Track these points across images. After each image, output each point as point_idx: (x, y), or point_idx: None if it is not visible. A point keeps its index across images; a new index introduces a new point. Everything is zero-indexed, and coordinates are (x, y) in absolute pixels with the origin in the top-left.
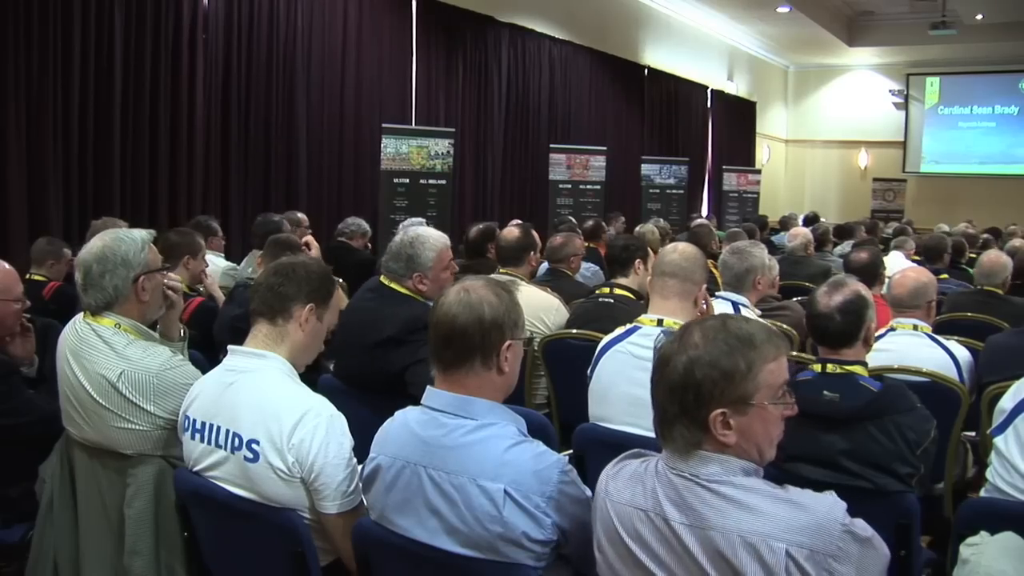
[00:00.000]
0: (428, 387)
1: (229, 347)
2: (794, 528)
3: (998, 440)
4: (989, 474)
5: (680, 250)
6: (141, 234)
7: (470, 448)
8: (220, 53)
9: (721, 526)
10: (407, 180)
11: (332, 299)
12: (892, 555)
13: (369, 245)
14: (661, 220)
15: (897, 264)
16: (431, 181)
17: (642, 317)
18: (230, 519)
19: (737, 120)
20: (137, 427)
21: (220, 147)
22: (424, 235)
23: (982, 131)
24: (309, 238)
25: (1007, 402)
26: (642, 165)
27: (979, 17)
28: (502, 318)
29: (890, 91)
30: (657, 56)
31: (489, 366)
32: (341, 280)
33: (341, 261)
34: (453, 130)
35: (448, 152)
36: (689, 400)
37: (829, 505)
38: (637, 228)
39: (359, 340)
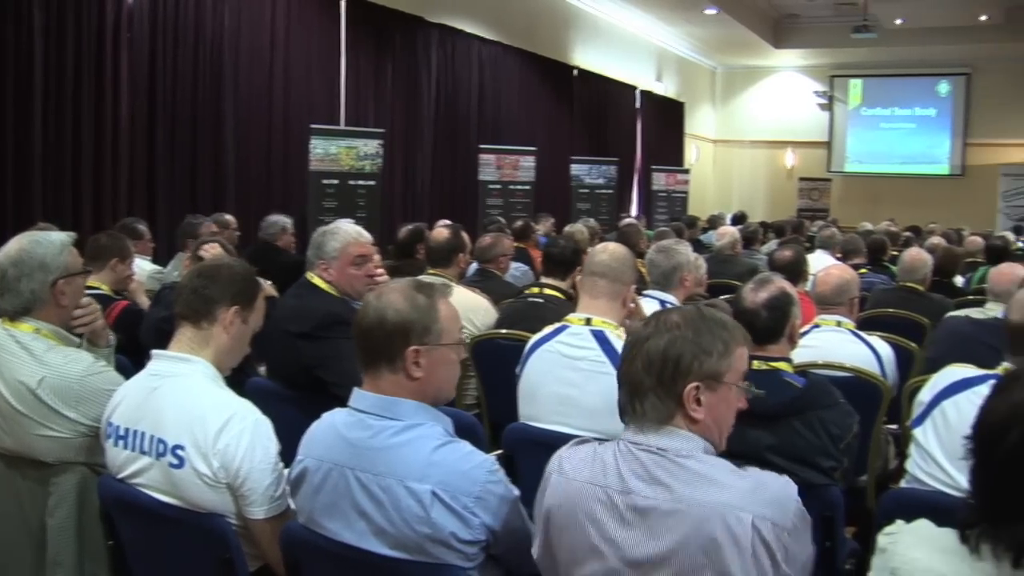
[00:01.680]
0: (355, 389)
1: (153, 352)
2: (758, 501)
3: (917, 432)
4: (909, 465)
5: (610, 251)
6: (60, 237)
7: (397, 450)
8: (145, 52)
9: (691, 498)
10: (336, 181)
11: (257, 301)
12: (817, 546)
13: (294, 244)
14: (591, 220)
15: (822, 262)
16: (360, 182)
17: (570, 316)
18: (156, 527)
19: (666, 120)
20: (59, 434)
21: (146, 148)
22: (337, 226)
23: (903, 132)
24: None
25: (925, 394)
26: (571, 165)
27: (899, 21)
28: (408, 323)
29: (815, 92)
30: (586, 57)
31: (395, 370)
32: (270, 282)
33: (267, 262)
34: (382, 131)
35: (377, 153)
36: (667, 372)
37: (784, 483)
38: (566, 228)
39: (282, 334)
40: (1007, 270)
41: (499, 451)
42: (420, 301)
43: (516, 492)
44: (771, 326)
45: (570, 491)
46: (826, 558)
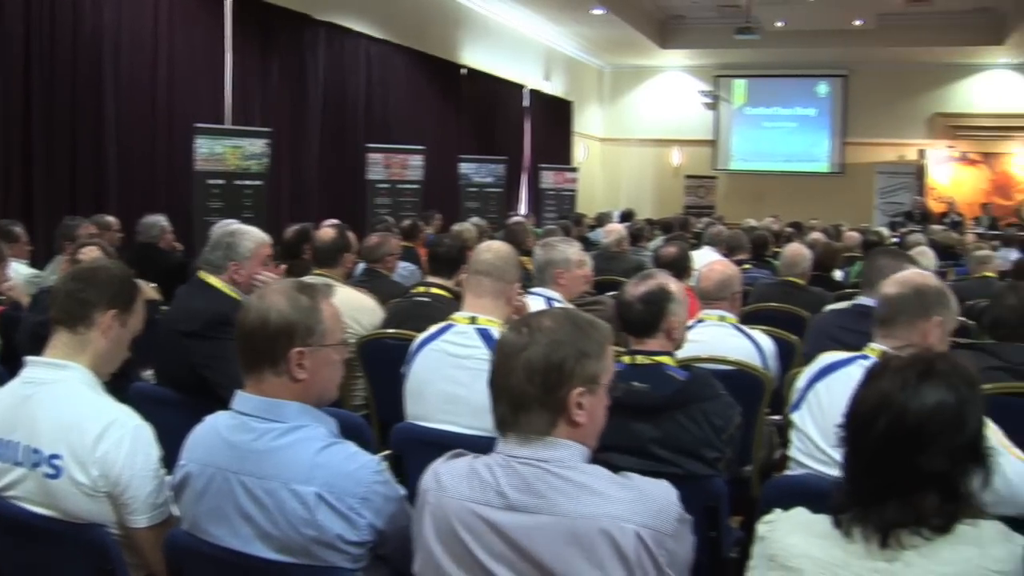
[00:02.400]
0: (238, 391)
1: (27, 358)
2: (640, 511)
3: (795, 416)
4: (791, 451)
5: (494, 249)
6: None
7: (281, 452)
8: (19, 47)
9: (574, 511)
10: (222, 181)
11: (136, 304)
12: (702, 536)
13: (178, 246)
14: (478, 218)
15: (707, 258)
16: (247, 182)
17: (455, 315)
18: (32, 540)
19: (554, 119)
20: None
21: (21, 148)
22: (246, 228)
23: (785, 131)
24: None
25: (801, 381)
26: (460, 164)
27: (780, 24)
28: (291, 325)
29: (700, 92)
30: (475, 56)
31: (279, 372)
32: (154, 284)
33: (149, 264)
34: (269, 130)
35: (264, 152)
36: (552, 379)
37: (665, 489)
38: (454, 227)
39: (171, 334)
40: None
41: (387, 451)
42: (303, 302)
43: (402, 492)
44: (645, 319)
45: (450, 508)
46: (712, 547)
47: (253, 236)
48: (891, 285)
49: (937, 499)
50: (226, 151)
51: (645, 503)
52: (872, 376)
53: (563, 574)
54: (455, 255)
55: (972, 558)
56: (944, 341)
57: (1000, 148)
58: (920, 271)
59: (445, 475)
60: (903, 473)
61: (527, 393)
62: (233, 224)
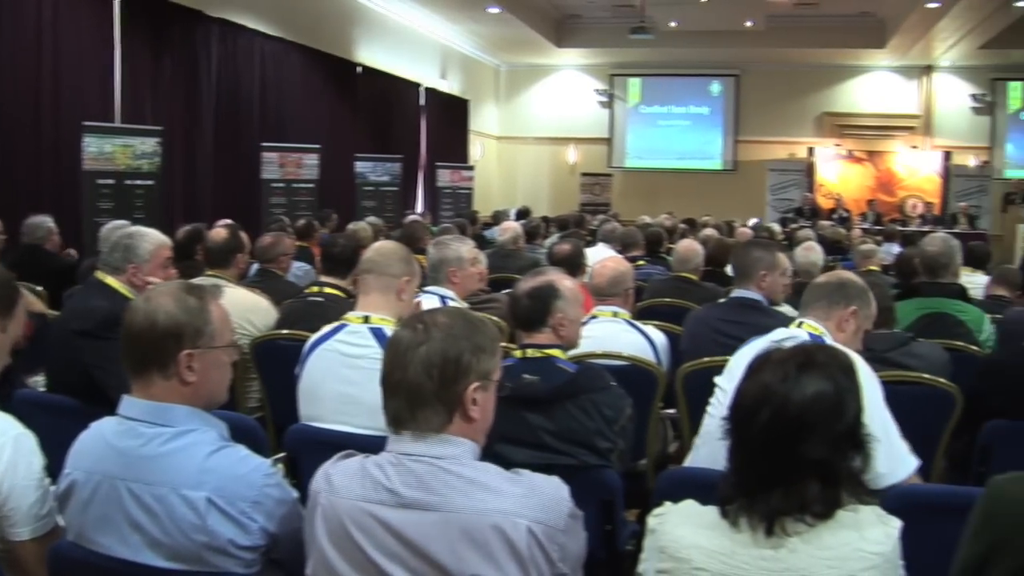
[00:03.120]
0: (124, 396)
1: None
2: (532, 506)
3: (718, 379)
4: (711, 409)
5: (376, 247)
6: None
7: (170, 457)
8: None
9: (467, 507)
10: (112, 181)
11: (16, 308)
12: (597, 530)
13: (72, 252)
14: (374, 218)
15: (602, 255)
16: (138, 182)
17: (349, 315)
18: None
19: (450, 118)
20: None
21: None
22: (144, 230)
23: (679, 129)
24: None
25: (723, 380)
26: (356, 163)
27: (673, 24)
28: (180, 326)
29: (596, 90)
30: (371, 54)
31: (168, 376)
32: (40, 288)
33: (36, 266)
34: (161, 128)
35: (155, 152)
36: (449, 374)
37: (556, 485)
38: (349, 226)
39: (64, 333)
40: None
41: (282, 454)
42: (191, 303)
43: (295, 494)
44: (531, 314)
45: (342, 509)
46: (608, 540)
47: (152, 238)
48: (824, 275)
49: (819, 486)
50: (116, 150)
51: (536, 498)
52: (754, 369)
53: (457, 571)
54: (348, 255)
55: (851, 542)
56: (859, 332)
57: (883, 147)
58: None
59: (336, 476)
60: (786, 462)
61: (424, 387)
62: (129, 225)
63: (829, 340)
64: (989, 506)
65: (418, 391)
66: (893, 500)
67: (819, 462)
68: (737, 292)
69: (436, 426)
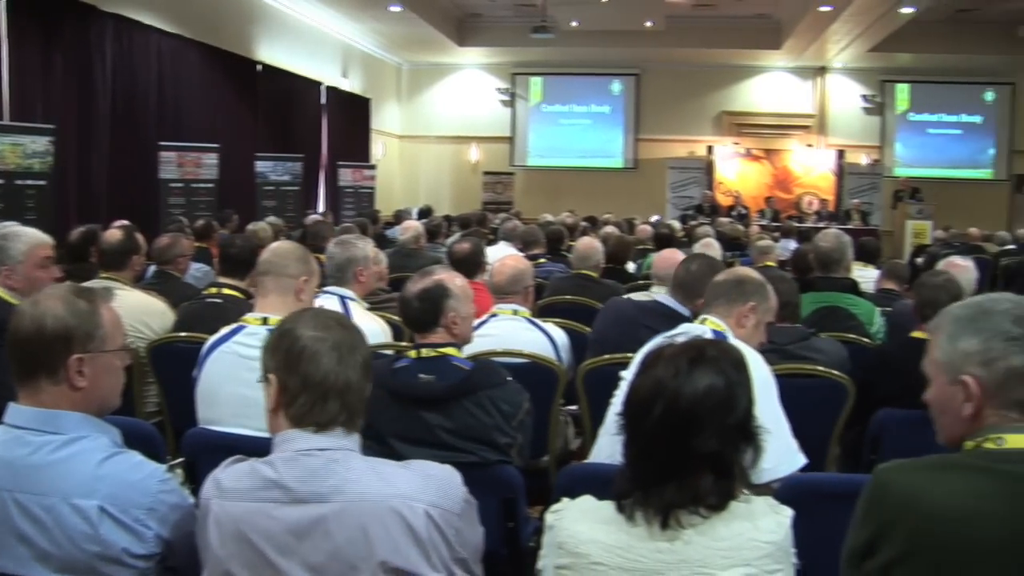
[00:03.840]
0: (11, 404)
1: None
2: (426, 489)
3: (623, 373)
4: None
5: (274, 247)
6: None
7: (59, 465)
8: None
9: (363, 494)
10: (1, 181)
11: None
12: (500, 527)
13: None
14: (274, 217)
15: (502, 253)
16: (29, 182)
17: (247, 316)
18: None
19: (352, 117)
20: None
21: None
22: (19, 230)
23: (581, 127)
24: None
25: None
26: (256, 162)
27: (574, 23)
28: (69, 330)
29: (498, 89)
30: (271, 52)
31: (57, 381)
32: None
33: None
34: (53, 127)
35: (47, 151)
36: (365, 372)
37: (449, 471)
38: (249, 226)
39: None
40: (668, 255)
41: (180, 459)
42: (81, 307)
43: (191, 500)
44: (422, 315)
45: (235, 514)
46: (510, 537)
47: (26, 238)
48: (723, 273)
49: (711, 478)
50: (4, 149)
51: (430, 483)
52: (647, 365)
53: (358, 558)
54: (246, 255)
55: (745, 532)
56: (759, 327)
57: (780, 145)
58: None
59: (226, 480)
60: (679, 455)
61: (353, 384)
62: (7, 225)
63: (731, 336)
64: (874, 494)
65: (330, 386)
66: (788, 489)
67: (711, 455)
68: (659, 298)
69: (340, 421)
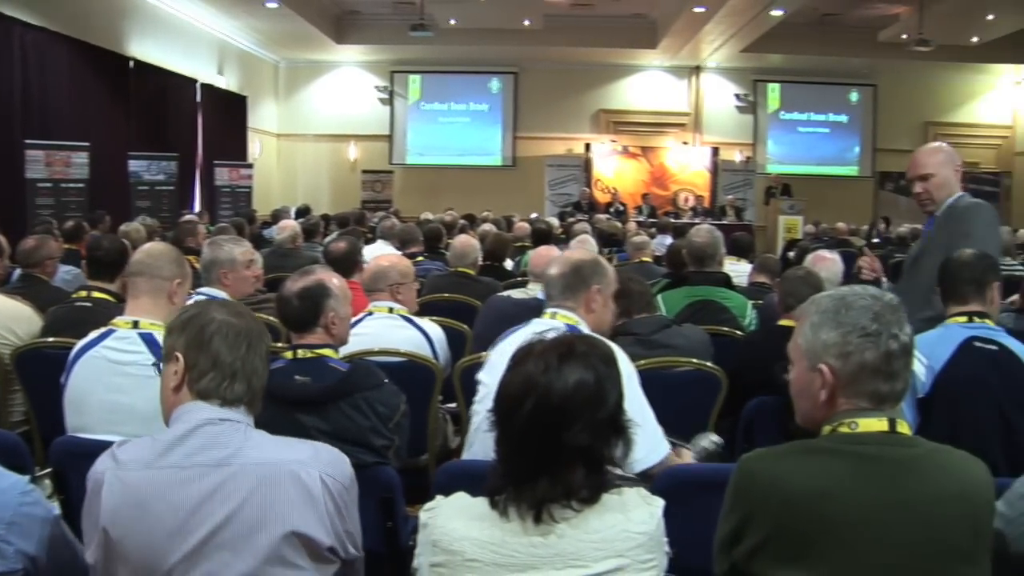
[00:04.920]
0: None
1: None
2: (321, 461)
3: (481, 375)
4: (477, 406)
5: (146, 248)
6: None
7: None
8: None
9: (262, 458)
10: None
11: None
12: (379, 527)
13: None
14: (148, 218)
15: (380, 252)
16: None
17: (117, 320)
18: None
19: (228, 115)
20: None
21: None
22: None
23: (459, 125)
24: None
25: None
26: (129, 161)
27: (453, 22)
28: None
29: (376, 87)
30: (144, 48)
31: None
32: None
33: None
34: None
35: None
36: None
37: (338, 452)
38: (121, 227)
39: None
40: (544, 252)
41: (47, 469)
42: None
43: (56, 511)
44: (302, 314)
45: (131, 481)
46: (389, 537)
47: None
48: (554, 265)
49: (583, 472)
50: None
51: (323, 454)
52: (517, 361)
53: (258, 520)
54: (113, 257)
55: (617, 523)
56: (607, 304)
57: (656, 143)
58: (576, 251)
59: (123, 453)
60: (551, 450)
61: (239, 366)
62: None
63: (584, 327)
64: (739, 482)
65: (253, 372)
66: (662, 480)
67: (583, 449)
68: (538, 295)
69: (244, 401)
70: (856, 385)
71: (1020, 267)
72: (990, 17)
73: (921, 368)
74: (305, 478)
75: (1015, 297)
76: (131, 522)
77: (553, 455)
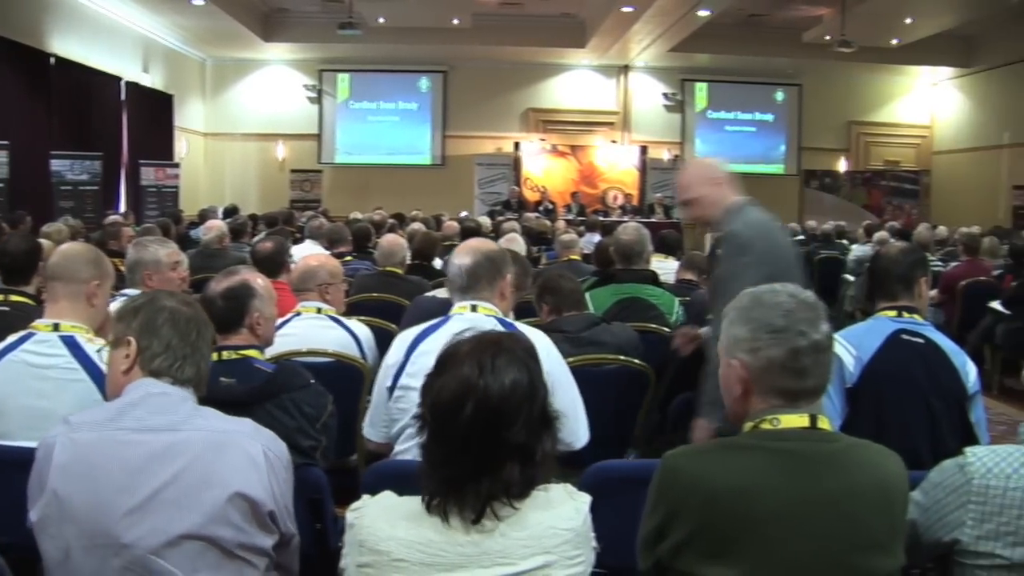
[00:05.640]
0: None
1: None
2: (263, 436)
3: (403, 379)
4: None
5: (62, 250)
6: None
7: None
8: None
9: (210, 426)
10: None
11: None
12: (309, 529)
13: None
14: (71, 218)
15: (308, 252)
16: None
17: (37, 323)
18: None
19: (154, 113)
20: None
21: None
22: None
23: (388, 124)
24: None
25: (398, 354)
26: (51, 161)
27: (381, 20)
28: None
29: (305, 86)
30: (65, 45)
31: None
32: None
33: None
34: None
35: None
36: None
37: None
38: (44, 228)
39: None
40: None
41: None
42: None
43: None
44: (227, 315)
45: (86, 441)
46: (319, 539)
47: None
48: (465, 256)
49: (518, 468)
50: None
51: (263, 431)
52: (446, 364)
53: (203, 475)
54: (23, 260)
55: (544, 520)
56: (512, 292)
57: (585, 141)
58: (482, 239)
59: (75, 418)
60: (491, 449)
61: (189, 350)
62: None
63: (500, 316)
64: (663, 479)
65: (202, 358)
66: (590, 476)
67: (520, 446)
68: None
69: (193, 383)
70: (766, 381)
71: (939, 263)
72: (909, 21)
73: (850, 359)
74: (249, 447)
75: (934, 292)
76: (80, 480)
77: (492, 453)
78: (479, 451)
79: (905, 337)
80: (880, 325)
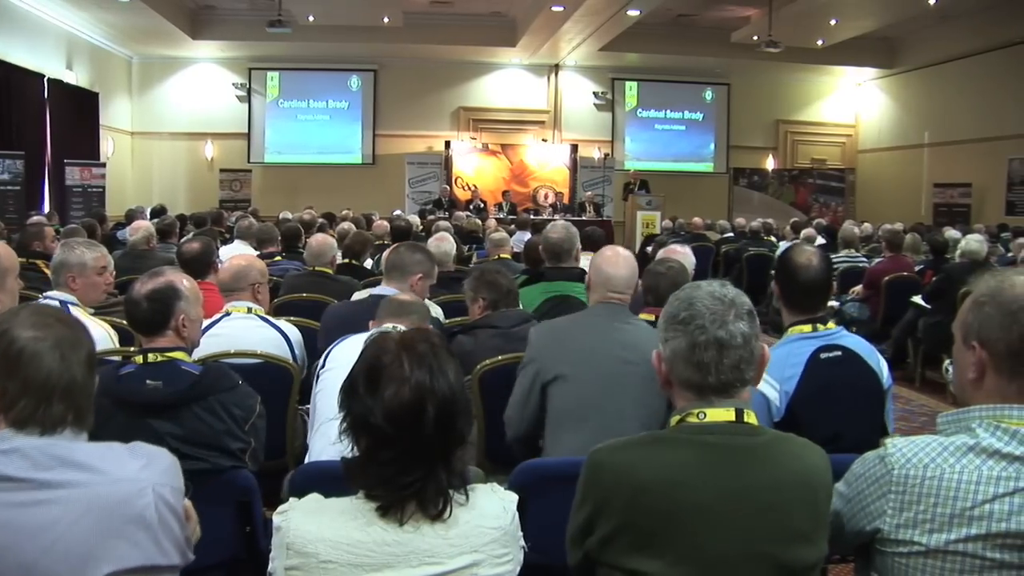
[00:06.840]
0: None
1: None
2: (155, 472)
3: (324, 376)
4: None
5: None
6: None
7: None
8: None
9: (89, 482)
10: None
11: None
12: (238, 532)
13: None
14: None
15: (237, 252)
16: None
17: None
18: None
19: (78, 112)
20: None
21: None
22: None
23: (319, 123)
24: None
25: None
26: None
27: (311, 18)
28: None
29: (233, 84)
30: None
31: None
32: None
33: None
34: None
35: None
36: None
37: (169, 455)
38: None
39: None
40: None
41: None
42: None
43: None
44: (152, 317)
45: None
46: (248, 541)
47: None
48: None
49: (460, 453)
50: None
51: (156, 465)
52: (390, 368)
53: (82, 551)
54: None
55: (471, 519)
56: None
57: (516, 140)
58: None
59: None
60: (447, 443)
61: (53, 383)
62: None
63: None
64: (589, 474)
65: (71, 386)
66: (519, 475)
67: (462, 432)
68: (379, 290)
69: (68, 422)
70: (675, 372)
71: (864, 259)
72: (833, 22)
73: (774, 394)
74: (137, 500)
75: (858, 288)
76: None
77: (447, 447)
78: (439, 448)
79: (824, 356)
80: (797, 349)
